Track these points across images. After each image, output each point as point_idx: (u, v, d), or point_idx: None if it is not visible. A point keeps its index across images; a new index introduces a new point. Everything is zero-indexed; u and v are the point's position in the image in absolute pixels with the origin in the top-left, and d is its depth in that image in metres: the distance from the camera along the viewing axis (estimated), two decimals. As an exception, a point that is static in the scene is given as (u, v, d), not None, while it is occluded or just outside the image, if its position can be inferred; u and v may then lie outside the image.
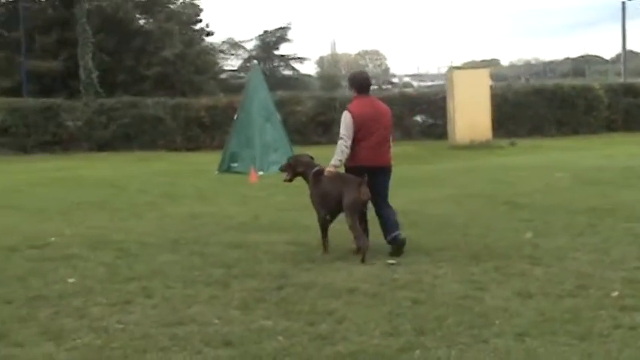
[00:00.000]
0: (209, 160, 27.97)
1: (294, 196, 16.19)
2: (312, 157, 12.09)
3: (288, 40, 69.83)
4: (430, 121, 39.83)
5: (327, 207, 11.29)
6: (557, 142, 33.67)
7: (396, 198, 16.71)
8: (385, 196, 11.65)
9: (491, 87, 35.53)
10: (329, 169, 11.31)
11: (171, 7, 51.26)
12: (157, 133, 37.41)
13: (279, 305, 8.32)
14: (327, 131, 38.07)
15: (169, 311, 8.20)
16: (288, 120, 33.61)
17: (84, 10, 39.52)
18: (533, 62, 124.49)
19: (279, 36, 69.38)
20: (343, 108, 33.39)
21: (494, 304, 8.12)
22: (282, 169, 12.14)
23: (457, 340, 7.02)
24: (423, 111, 40.14)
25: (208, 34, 53.65)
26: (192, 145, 37.31)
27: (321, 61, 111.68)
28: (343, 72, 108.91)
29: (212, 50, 57.40)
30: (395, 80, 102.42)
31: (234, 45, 68.08)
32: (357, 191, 10.90)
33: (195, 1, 52.26)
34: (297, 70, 72.46)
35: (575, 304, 8.01)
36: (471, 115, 32.79)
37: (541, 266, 9.86)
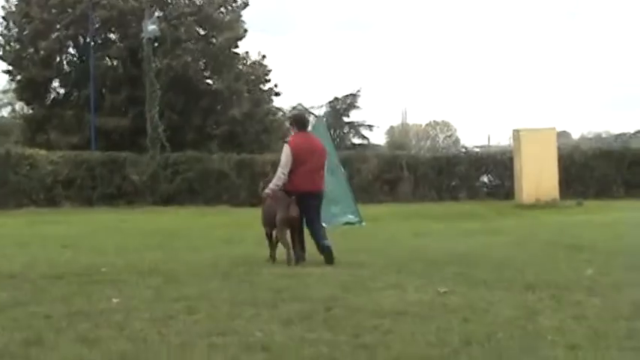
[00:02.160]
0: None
1: (352, 241, 16.32)
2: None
3: (357, 107, 70.00)
4: (497, 181, 39.62)
5: (270, 223, 13.67)
6: (625, 203, 33.09)
7: (458, 245, 16.62)
8: (317, 214, 13.95)
9: (558, 148, 35.15)
10: (267, 191, 13.88)
11: (240, 67, 51.52)
12: (222, 188, 37.46)
13: (325, 322, 8.12)
14: (393, 190, 37.93)
15: (212, 325, 8.03)
16: (353, 178, 33.58)
17: (152, 64, 39.81)
18: (604, 135, 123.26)
19: (349, 103, 69.64)
20: (409, 167, 34.43)
21: (548, 324, 7.84)
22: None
23: (506, 351, 6.73)
24: (489, 171, 39.94)
25: (277, 94, 53.69)
26: (257, 200, 37.11)
27: (391, 131, 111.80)
28: (413, 142, 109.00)
29: (280, 111, 57.74)
30: (464, 152, 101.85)
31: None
32: (286, 209, 13.19)
33: (263, 62, 52.52)
34: (367, 138, 72.42)
35: (631, 325, 7.70)
36: (538, 174, 32.46)
37: (598, 297, 9.52)
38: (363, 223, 25.52)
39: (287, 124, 64.98)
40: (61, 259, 14.32)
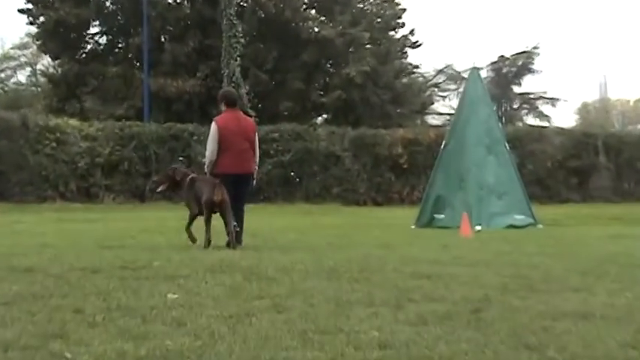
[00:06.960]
0: (405, 214, 28.18)
1: (518, 244, 16.78)
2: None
3: (534, 72, 67.76)
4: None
5: (198, 205, 17.25)
6: None
7: None
8: (242, 199, 18.01)
9: None
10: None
11: (360, 5, 51.17)
12: (331, 178, 37.51)
13: (470, 323, 8.26)
14: (583, 183, 37.76)
15: (308, 324, 8.22)
16: (524, 164, 33.50)
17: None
18: None
19: (520, 65, 67.37)
20: (608, 151, 35.33)
21: None
22: (158, 183, 19.72)
23: None
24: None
25: (414, 45, 53.06)
26: (382, 196, 37.26)
27: (584, 109, 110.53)
28: (617, 125, 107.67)
29: (419, 70, 57.35)
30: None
31: (455, 76, 66.53)
32: (211, 192, 16.99)
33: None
34: (549, 117, 70.30)
35: None
36: None
37: None
38: (539, 226, 25.39)
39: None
40: (97, 256, 14.74)
